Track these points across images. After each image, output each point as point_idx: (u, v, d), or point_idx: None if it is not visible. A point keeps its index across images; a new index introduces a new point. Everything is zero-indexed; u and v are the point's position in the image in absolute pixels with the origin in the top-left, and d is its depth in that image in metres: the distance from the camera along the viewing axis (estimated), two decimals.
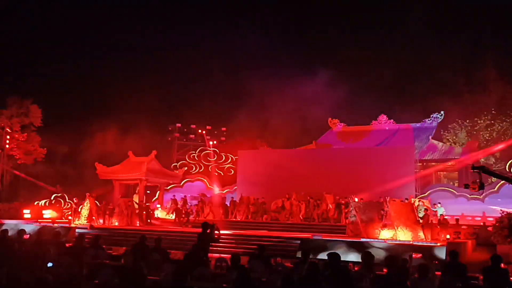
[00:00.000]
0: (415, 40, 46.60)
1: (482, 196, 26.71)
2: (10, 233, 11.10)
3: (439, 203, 22.90)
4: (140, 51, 50.94)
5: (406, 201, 22.65)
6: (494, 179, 29.02)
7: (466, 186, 15.57)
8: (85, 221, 25.44)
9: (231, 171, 38.96)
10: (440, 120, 36.19)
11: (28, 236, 12.84)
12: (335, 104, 42.39)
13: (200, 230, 11.98)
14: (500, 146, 31.04)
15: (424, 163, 30.99)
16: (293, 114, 36.77)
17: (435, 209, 22.19)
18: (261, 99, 40.85)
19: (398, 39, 45.67)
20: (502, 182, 26.52)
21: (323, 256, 12.89)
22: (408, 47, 46.59)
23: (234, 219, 26.85)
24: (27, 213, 28.59)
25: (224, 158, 41.25)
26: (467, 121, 40.23)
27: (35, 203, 31.22)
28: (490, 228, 19.22)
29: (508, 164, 26.50)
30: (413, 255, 8.96)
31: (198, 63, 47.52)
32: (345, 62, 38.32)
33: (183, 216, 26.43)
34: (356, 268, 9.06)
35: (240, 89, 48.41)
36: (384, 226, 19.90)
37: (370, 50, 42.57)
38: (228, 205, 28.72)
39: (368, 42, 43.36)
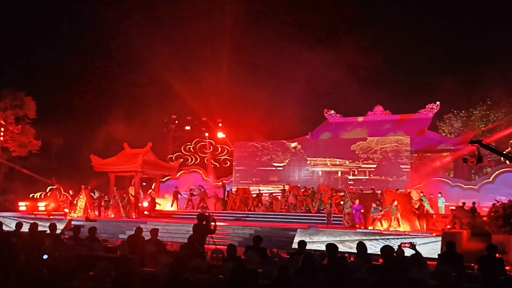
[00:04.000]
0: (411, 30, 46.50)
1: (477, 186, 26.90)
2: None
3: (440, 193, 23.01)
4: (135, 43, 50.55)
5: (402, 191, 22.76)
6: (489, 169, 29.20)
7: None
8: (81, 213, 25.43)
9: (227, 163, 38.99)
10: (435, 110, 36.27)
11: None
12: (330, 95, 42.43)
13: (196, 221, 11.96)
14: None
15: (420, 154, 31.07)
16: (288, 105, 36.71)
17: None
18: (257, 91, 40.74)
19: (393, 30, 45.54)
20: (497, 172, 26.74)
21: None
22: (403, 37, 46.51)
23: (230, 210, 26.88)
24: (22, 206, 28.50)
25: (220, 149, 41.26)
26: (463, 111, 40.34)
27: (31, 195, 31.18)
28: (485, 218, 19.35)
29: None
30: (402, 245, 8.96)
31: (193, 54, 47.24)
32: (340, 53, 38.23)
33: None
34: (352, 259, 9.07)
35: (235, 81, 48.26)
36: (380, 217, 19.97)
37: (366, 41, 42.46)
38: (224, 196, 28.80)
39: (364, 33, 43.26)
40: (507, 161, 26.86)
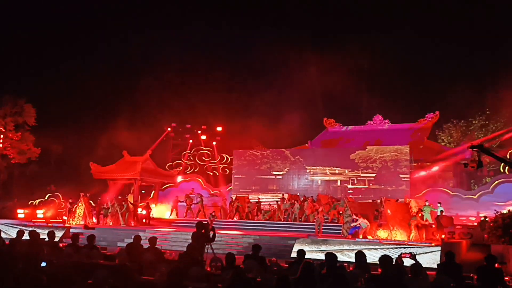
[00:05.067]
0: (411, 40, 46.74)
1: (476, 196, 26.90)
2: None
3: (439, 203, 22.97)
4: (135, 50, 50.76)
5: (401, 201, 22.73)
6: (488, 179, 29.20)
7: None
8: (80, 221, 25.37)
9: (226, 171, 38.97)
10: (435, 120, 36.35)
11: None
12: (330, 104, 42.55)
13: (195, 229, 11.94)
14: None
15: (419, 163, 31.06)
16: (288, 114, 36.78)
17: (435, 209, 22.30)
18: (256, 99, 40.90)
19: (394, 40, 45.78)
20: (496, 182, 26.74)
21: None
22: (403, 47, 46.75)
23: (230, 219, 26.83)
24: (21, 213, 28.45)
25: (219, 157, 41.24)
26: (462, 121, 40.44)
27: (29, 203, 31.12)
28: None
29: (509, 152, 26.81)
30: (402, 255, 8.94)
31: (193, 62, 47.44)
32: (340, 62, 38.39)
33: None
34: (351, 268, 9.06)
35: (235, 89, 48.43)
36: (379, 226, 19.95)
37: (366, 50, 42.66)
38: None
39: (364, 42, 43.47)
40: (507, 167, 26.98)
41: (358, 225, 19.73)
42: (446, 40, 46.27)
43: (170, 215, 28.70)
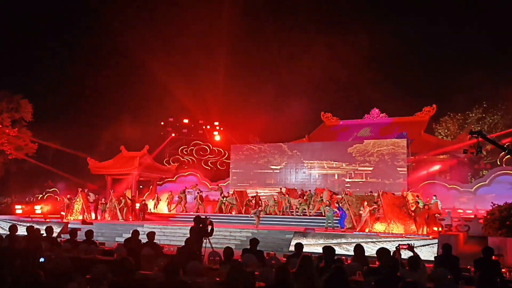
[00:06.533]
0: (408, 34, 46.74)
1: (473, 189, 27.00)
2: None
3: (435, 195, 23.04)
4: (133, 46, 50.59)
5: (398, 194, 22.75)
6: (485, 172, 29.29)
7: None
8: (78, 216, 25.36)
9: (224, 165, 39.00)
10: (432, 113, 36.38)
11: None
12: (327, 98, 42.57)
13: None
14: None
15: (416, 156, 31.13)
16: (285, 108, 36.79)
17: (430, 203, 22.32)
18: (254, 94, 40.87)
19: (390, 34, 45.75)
20: (493, 175, 26.84)
21: None
22: (400, 40, 46.71)
23: (227, 213, 26.85)
24: (19, 209, 28.42)
25: (216, 152, 41.26)
26: (459, 114, 40.49)
27: (27, 198, 31.08)
28: (481, 221, 19.40)
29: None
30: (400, 247, 8.98)
31: (191, 58, 47.34)
32: (337, 56, 38.38)
33: None
34: (349, 261, 9.10)
35: (233, 84, 48.34)
36: (377, 219, 20.00)
37: (363, 44, 42.61)
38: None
39: (361, 36, 43.39)
40: (504, 158, 27.15)
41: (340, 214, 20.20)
42: (444, 34, 46.29)
43: (155, 206, 28.80)
